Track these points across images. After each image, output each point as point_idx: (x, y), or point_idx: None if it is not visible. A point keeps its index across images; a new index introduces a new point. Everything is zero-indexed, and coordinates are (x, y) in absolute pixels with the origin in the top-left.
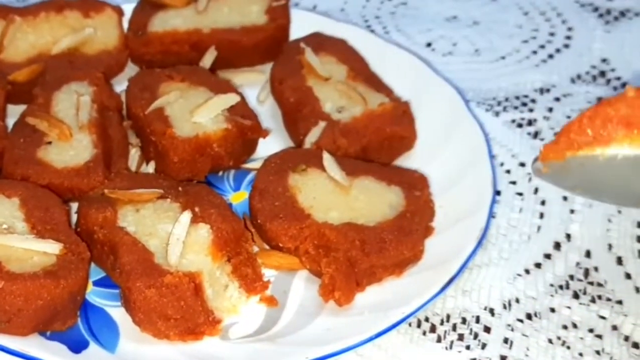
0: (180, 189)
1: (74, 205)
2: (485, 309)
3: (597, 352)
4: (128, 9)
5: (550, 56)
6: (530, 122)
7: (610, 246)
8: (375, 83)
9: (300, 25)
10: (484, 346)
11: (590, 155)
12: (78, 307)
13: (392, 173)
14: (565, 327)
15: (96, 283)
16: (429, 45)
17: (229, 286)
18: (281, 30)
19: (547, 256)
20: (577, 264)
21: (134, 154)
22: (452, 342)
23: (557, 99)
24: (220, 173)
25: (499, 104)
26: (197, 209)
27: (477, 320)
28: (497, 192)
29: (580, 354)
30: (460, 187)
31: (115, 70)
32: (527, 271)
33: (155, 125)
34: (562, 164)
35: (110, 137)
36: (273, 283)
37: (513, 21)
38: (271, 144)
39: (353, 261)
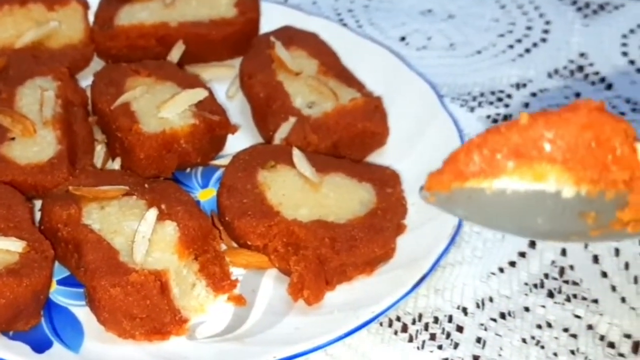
0: (146, 185)
1: (38, 203)
2: (458, 308)
3: (572, 352)
4: (94, 2)
5: (527, 50)
6: (506, 118)
7: (586, 244)
8: (346, 78)
9: (271, 19)
10: (456, 346)
11: (477, 188)
12: (41, 306)
13: (364, 170)
14: (539, 326)
15: (60, 282)
16: (403, 39)
17: (196, 285)
18: (251, 23)
19: (522, 254)
20: (553, 262)
21: (100, 150)
22: (423, 341)
23: (534, 94)
24: (188, 170)
25: (474, 99)
26: (163, 206)
27: (450, 319)
28: None
29: (555, 354)
30: None
31: (80, 64)
32: (501, 269)
33: (121, 121)
34: (448, 194)
35: (75, 133)
36: (241, 282)
37: (489, 14)
38: (240, 140)
39: (323, 259)
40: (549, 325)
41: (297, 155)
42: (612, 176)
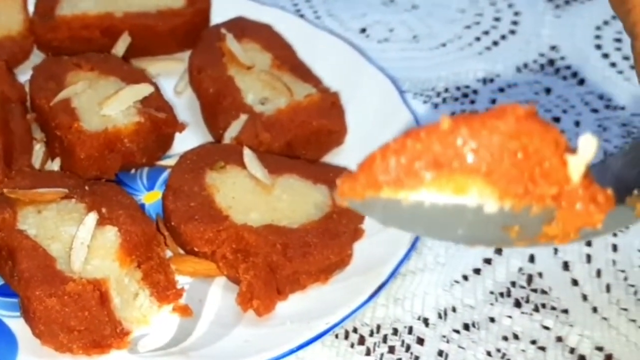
0: (86, 188)
1: None
2: (419, 318)
3: None
4: None
5: (495, 43)
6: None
7: (555, 250)
8: (302, 72)
9: (222, 9)
10: (416, 359)
11: (392, 200)
12: None
13: (319, 170)
14: (505, 338)
15: None
16: (363, 31)
17: (139, 294)
18: (201, 14)
19: (487, 261)
20: (520, 269)
21: (38, 149)
22: (382, 355)
23: (502, 90)
24: (132, 171)
25: (438, 95)
26: (104, 210)
27: (410, 331)
28: None
29: None
30: None
31: (19, 57)
32: (465, 277)
33: (61, 118)
34: (361, 202)
35: (11, 132)
36: (187, 291)
37: (455, 5)
38: (188, 139)
39: (274, 267)
40: (516, 337)
41: (248, 155)
42: (539, 191)
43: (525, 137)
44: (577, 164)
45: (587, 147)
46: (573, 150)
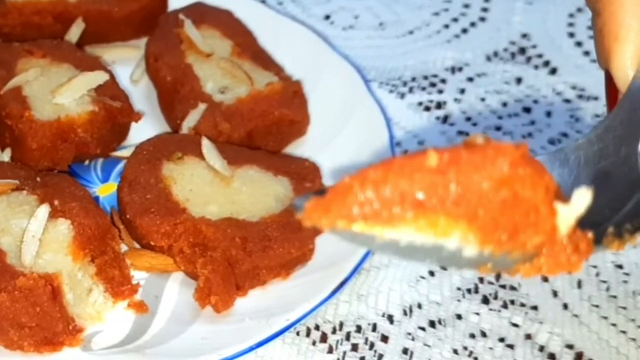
0: (38, 179)
1: None
2: (383, 315)
3: None
4: None
5: (464, 30)
6: (439, 105)
7: None
8: (263, 60)
9: None
10: (380, 357)
11: (366, 235)
12: None
13: (280, 162)
14: (472, 335)
15: None
16: (327, 17)
17: (93, 290)
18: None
19: None
20: None
21: None
22: (344, 352)
23: (470, 79)
24: (87, 162)
25: (404, 84)
26: (56, 202)
27: (374, 328)
28: None
29: None
30: None
31: None
32: (432, 273)
33: (11, 107)
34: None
35: None
36: (143, 286)
37: None
38: (145, 129)
39: (233, 261)
40: (484, 334)
41: (206, 145)
42: (523, 238)
43: (517, 183)
44: (568, 216)
45: (582, 201)
46: (562, 197)
